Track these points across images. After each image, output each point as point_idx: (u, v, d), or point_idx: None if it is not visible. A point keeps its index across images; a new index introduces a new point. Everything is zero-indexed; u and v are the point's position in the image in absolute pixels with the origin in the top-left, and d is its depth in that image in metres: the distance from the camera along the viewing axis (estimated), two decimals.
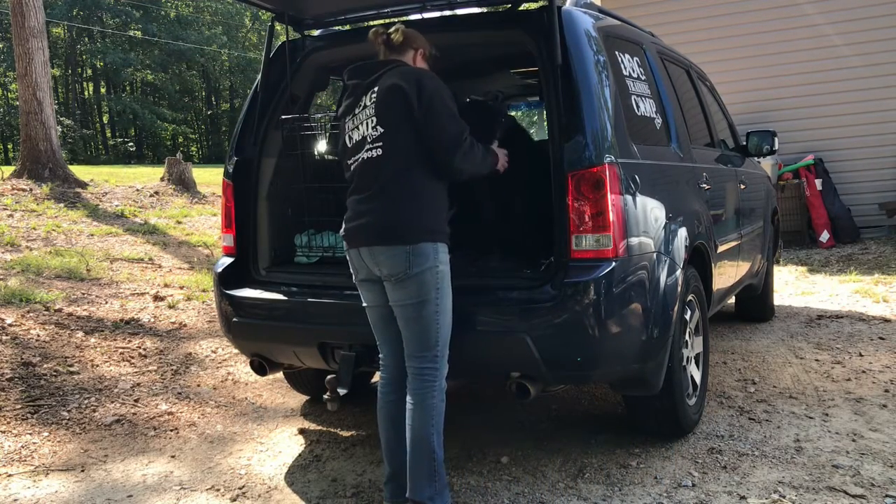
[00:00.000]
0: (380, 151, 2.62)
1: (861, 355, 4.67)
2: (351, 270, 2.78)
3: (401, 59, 2.77)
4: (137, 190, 11.24)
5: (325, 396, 3.01)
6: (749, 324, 5.64)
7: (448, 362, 2.71)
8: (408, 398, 2.65)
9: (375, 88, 2.67)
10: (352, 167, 2.73)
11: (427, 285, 2.58)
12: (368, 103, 2.67)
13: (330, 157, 3.87)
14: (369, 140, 2.65)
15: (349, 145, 2.74)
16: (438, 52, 2.91)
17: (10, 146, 39.09)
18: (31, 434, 3.72)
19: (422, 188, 2.61)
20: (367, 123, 2.67)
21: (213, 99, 51.39)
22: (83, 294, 5.99)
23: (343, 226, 2.74)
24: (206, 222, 9.99)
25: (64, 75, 42.63)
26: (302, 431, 3.77)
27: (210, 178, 14.83)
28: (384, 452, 2.81)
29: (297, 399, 4.24)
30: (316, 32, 3.70)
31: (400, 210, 2.59)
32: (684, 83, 4.42)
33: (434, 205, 2.64)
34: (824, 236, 9.08)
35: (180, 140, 47.26)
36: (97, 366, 4.65)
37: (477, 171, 2.76)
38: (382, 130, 2.62)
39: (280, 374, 4.17)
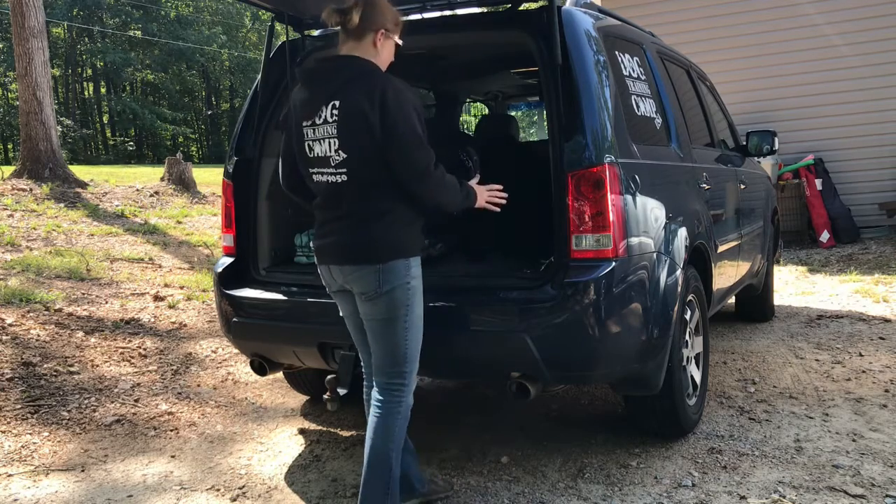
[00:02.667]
0: (345, 178, 2.46)
1: (861, 355, 4.67)
2: (324, 284, 2.71)
3: (360, 47, 2.51)
4: (137, 190, 11.24)
5: (325, 396, 3.00)
6: (749, 324, 5.64)
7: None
8: (372, 411, 2.60)
9: (337, 103, 2.43)
10: (315, 180, 2.57)
11: (397, 302, 2.51)
12: (329, 119, 2.45)
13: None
14: (332, 164, 2.48)
15: (310, 155, 2.54)
16: (404, 23, 2.67)
17: (10, 146, 39.08)
18: (31, 434, 3.72)
19: (391, 206, 2.48)
20: (329, 143, 2.46)
21: (213, 99, 51.39)
22: (83, 294, 5.99)
23: (312, 242, 2.67)
24: (206, 222, 9.98)
25: (64, 75, 42.63)
26: (302, 431, 3.77)
27: (210, 178, 14.82)
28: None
29: (297, 399, 4.24)
30: (316, 32, 3.70)
31: (368, 230, 2.49)
32: (684, 83, 4.42)
33: (405, 220, 2.52)
34: (824, 236, 9.08)
35: (180, 140, 47.24)
36: (97, 366, 4.65)
37: (452, 202, 2.57)
38: (346, 156, 2.44)
39: (280, 374, 4.17)
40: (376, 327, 2.57)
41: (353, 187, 2.48)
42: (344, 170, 2.46)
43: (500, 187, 2.79)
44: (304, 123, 2.52)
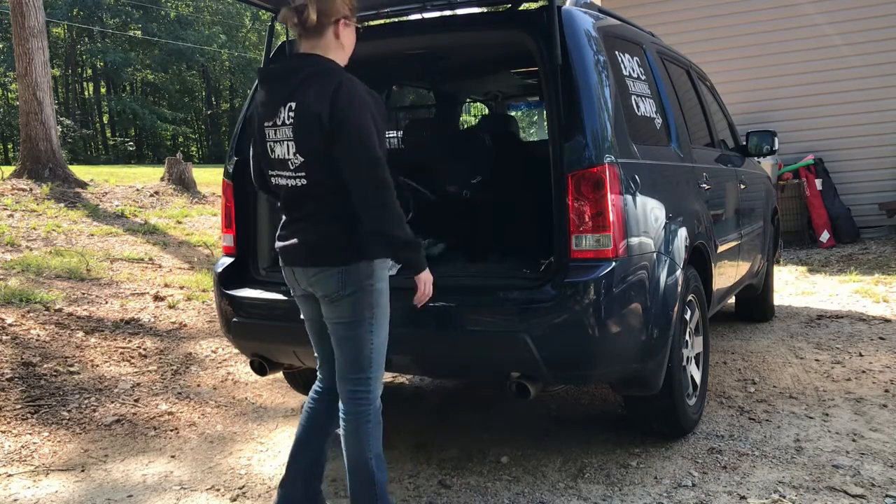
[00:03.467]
0: (304, 181, 2.40)
1: (861, 355, 4.67)
2: (289, 286, 2.66)
3: (321, 43, 2.42)
4: (137, 190, 11.24)
5: None
6: (749, 324, 5.64)
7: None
8: (341, 422, 2.53)
9: (293, 105, 2.35)
10: (275, 183, 2.51)
11: (360, 305, 2.44)
12: (287, 121, 2.37)
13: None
14: (291, 167, 2.40)
15: (272, 157, 2.46)
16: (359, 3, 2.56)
17: (10, 146, 39.08)
18: (31, 434, 3.72)
19: (353, 210, 2.37)
20: (287, 146, 2.39)
21: (213, 99, 51.37)
22: (83, 294, 5.98)
23: (276, 242, 2.60)
24: (206, 222, 9.98)
25: (64, 75, 42.62)
26: None
27: (210, 178, 14.82)
28: (289, 455, 2.73)
29: (297, 399, 4.24)
30: None
31: (330, 232, 2.43)
32: (684, 83, 4.42)
33: None
34: (824, 236, 9.08)
35: (180, 140, 47.24)
36: (97, 366, 4.65)
37: (389, 225, 2.34)
38: (303, 160, 2.37)
39: (280, 374, 4.17)
40: (340, 331, 2.50)
41: (312, 190, 2.41)
42: (302, 173, 2.39)
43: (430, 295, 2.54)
44: (266, 124, 2.45)
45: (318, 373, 2.76)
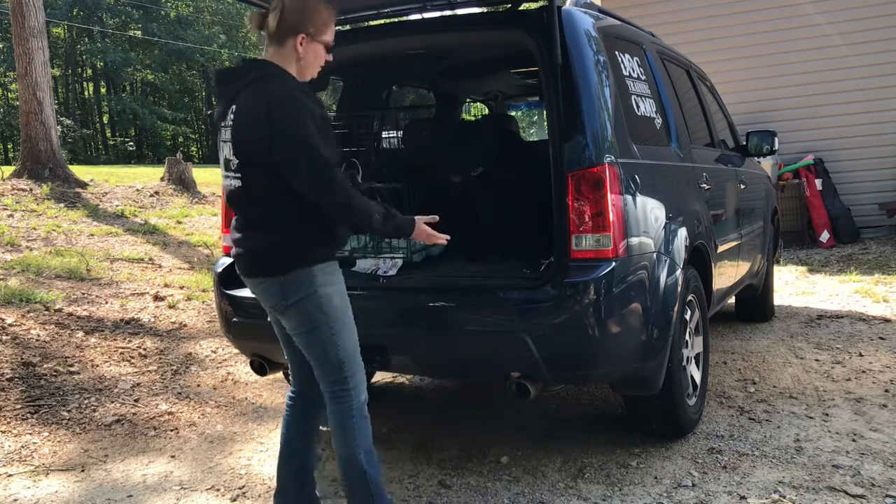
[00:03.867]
0: (239, 183, 2.38)
1: (861, 355, 4.67)
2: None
3: (280, 52, 2.39)
4: (137, 190, 11.24)
5: None
6: (749, 324, 5.64)
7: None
8: (328, 419, 2.51)
9: (234, 107, 2.34)
10: (223, 184, 2.53)
11: (309, 313, 2.38)
12: (229, 122, 2.36)
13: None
14: (231, 167, 2.39)
15: (220, 157, 2.47)
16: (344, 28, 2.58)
17: (10, 146, 39.08)
18: (31, 434, 3.72)
19: (287, 213, 2.34)
20: (228, 147, 2.38)
21: (213, 99, 51.29)
22: (83, 294, 5.98)
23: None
24: (206, 222, 9.98)
25: (64, 75, 42.62)
26: None
27: (210, 178, 14.81)
28: (277, 464, 2.70)
29: None
30: None
31: (266, 239, 2.38)
32: (684, 83, 4.42)
33: (303, 226, 2.35)
34: (824, 236, 9.08)
35: (180, 140, 47.24)
36: (97, 366, 4.65)
37: (356, 224, 2.41)
38: (238, 161, 2.35)
39: (280, 374, 4.17)
40: (301, 340, 2.46)
41: (248, 192, 2.39)
42: (239, 175, 2.37)
43: (437, 219, 2.58)
44: (221, 125, 2.43)
45: (289, 378, 2.74)
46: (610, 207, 2.78)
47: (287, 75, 2.38)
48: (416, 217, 2.51)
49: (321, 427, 2.71)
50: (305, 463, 2.68)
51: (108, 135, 45.81)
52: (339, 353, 2.44)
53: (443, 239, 2.55)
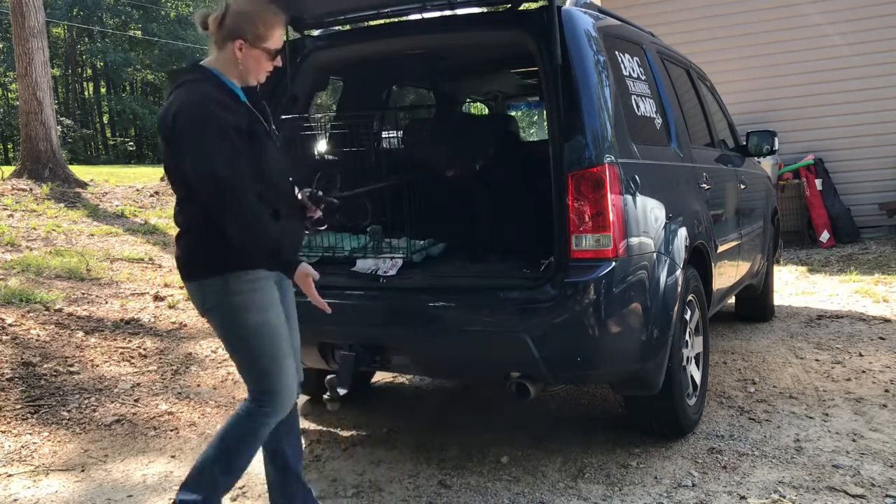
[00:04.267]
0: (167, 181, 2.44)
1: (861, 355, 4.67)
2: None
3: (221, 56, 2.34)
4: (137, 190, 11.24)
5: (325, 396, 3.01)
6: (749, 324, 5.64)
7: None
8: (231, 417, 2.48)
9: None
10: None
11: (224, 321, 2.35)
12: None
13: (330, 157, 3.87)
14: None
15: None
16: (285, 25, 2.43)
17: (10, 146, 39.07)
18: (31, 434, 3.72)
19: (203, 219, 2.27)
20: None
21: None
22: (83, 294, 5.98)
23: None
24: None
25: (64, 75, 42.61)
26: (302, 431, 3.76)
27: None
28: (263, 463, 2.66)
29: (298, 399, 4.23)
30: (316, 32, 3.70)
31: (185, 244, 2.38)
32: (684, 83, 4.42)
33: (220, 233, 2.24)
34: (824, 236, 9.08)
35: None
36: (97, 366, 4.65)
37: (246, 241, 2.24)
38: (164, 163, 2.38)
39: None
40: (224, 346, 2.44)
41: (177, 198, 2.38)
42: (165, 174, 2.40)
43: (318, 276, 2.36)
44: None
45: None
46: (610, 207, 2.78)
47: (206, 82, 2.29)
48: (306, 271, 2.31)
49: (327, 428, 2.69)
50: (286, 463, 2.63)
51: (108, 135, 45.81)
52: (256, 363, 2.38)
53: (325, 307, 2.37)
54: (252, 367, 2.41)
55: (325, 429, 3.79)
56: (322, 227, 2.59)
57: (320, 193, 2.54)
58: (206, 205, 2.22)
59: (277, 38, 2.37)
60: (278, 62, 2.43)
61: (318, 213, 2.54)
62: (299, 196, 2.53)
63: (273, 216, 2.30)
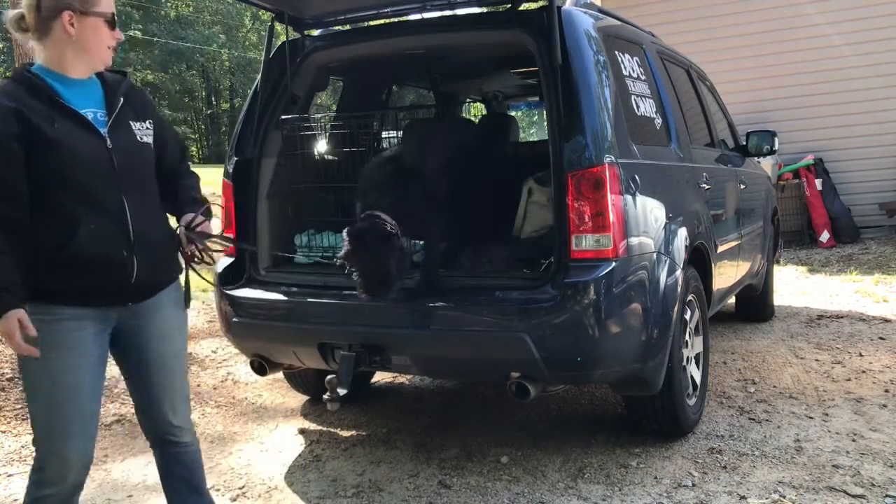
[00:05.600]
0: None
1: (861, 355, 4.67)
2: None
3: (49, 44, 2.05)
4: None
5: (325, 396, 3.01)
6: (749, 324, 5.64)
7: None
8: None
9: None
10: None
11: (19, 359, 2.06)
12: None
13: (330, 157, 3.87)
14: None
15: None
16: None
17: None
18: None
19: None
20: None
21: (212, 99, 51.34)
22: None
23: None
24: None
25: None
26: (302, 431, 3.77)
27: (210, 178, 14.75)
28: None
29: (297, 399, 4.24)
30: (316, 32, 3.71)
31: None
32: (684, 83, 4.42)
33: (13, 257, 1.95)
34: (824, 236, 9.08)
35: None
36: None
37: None
38: None
39: (280, 374, 4.17)
40: None
41: None
42: None
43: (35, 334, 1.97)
44: None
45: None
46: (610, 207, 2.78)
47: (11, 84, 2.01)
48: (19, 316, 1.93)
49: (327, 428, 2.68)
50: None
51: None
52: (33, 416, 2.08)
53: (35, 352, 1.96)
54: (31, 417, 2.11)
55: (325, 429, 3.79)
56: (198, 264, 2.36)
57: (197, 230, 2.25)
58: None
59: (108, 1, 2.08)
60: (119, 35, 2.16)
61: (194, 250, 2.27)
62: (176, 230, 2.27)
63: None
